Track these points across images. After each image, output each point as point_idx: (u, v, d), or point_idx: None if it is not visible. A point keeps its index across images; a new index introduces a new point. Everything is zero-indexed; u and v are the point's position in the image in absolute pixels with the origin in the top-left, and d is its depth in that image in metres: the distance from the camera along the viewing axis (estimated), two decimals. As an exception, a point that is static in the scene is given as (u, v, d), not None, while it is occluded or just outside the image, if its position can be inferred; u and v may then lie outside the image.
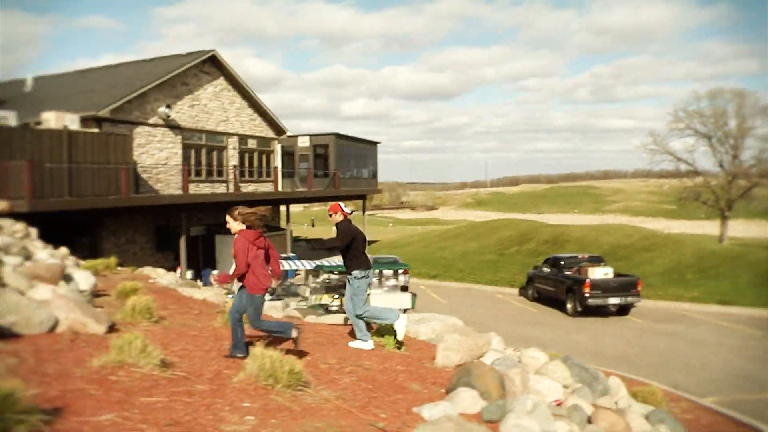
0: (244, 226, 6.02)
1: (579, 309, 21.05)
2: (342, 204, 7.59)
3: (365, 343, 7.50)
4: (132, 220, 22.41)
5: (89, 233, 21.19)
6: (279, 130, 31.30)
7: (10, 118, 19.79)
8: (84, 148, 18.85)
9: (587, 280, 20.79)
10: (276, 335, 6.30)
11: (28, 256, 10.28)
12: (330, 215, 7.58)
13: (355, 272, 7.46)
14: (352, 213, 7.64)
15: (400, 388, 5.82)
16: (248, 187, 28.40)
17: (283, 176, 31.63)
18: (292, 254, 27.39)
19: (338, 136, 34.35)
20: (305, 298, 17.11)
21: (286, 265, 20.66)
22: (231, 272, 6.15)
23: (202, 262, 24.79)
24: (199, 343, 6.42)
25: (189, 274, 21.98)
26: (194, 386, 4.63)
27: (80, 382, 4.19)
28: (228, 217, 6.09)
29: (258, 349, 5.11)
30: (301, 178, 32.81)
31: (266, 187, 29.51)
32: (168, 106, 23.61)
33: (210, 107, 26.63)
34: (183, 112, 24.88)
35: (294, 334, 6.15)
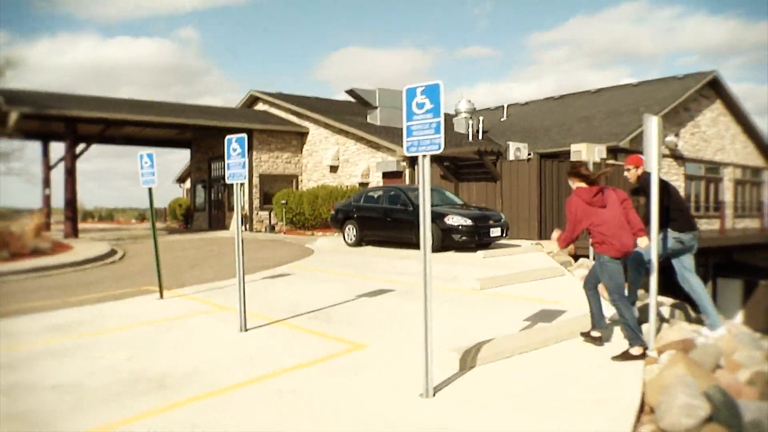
0: (580, 183, 5.28)
1: None
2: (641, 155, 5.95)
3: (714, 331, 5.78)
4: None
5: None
6: (772, 159, 27.22)
7: (523, 150, 20.40)
8: (616, 180, 18.29)
9: None
10: (625, 323, 5.17)
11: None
12: (628, 170, 6.46)
13: (681, 235, 6.15)
14: None
15: None
16: (740, 223, 25.12)
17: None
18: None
19: None
20: None
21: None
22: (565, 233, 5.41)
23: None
24: None
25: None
26: None
27: None
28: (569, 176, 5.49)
29: None
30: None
31: (755, 224, 25.80)
32: (676, 135, 21.97)
33: (708, 134, 24.20)
34: (685, 140, 22.97)
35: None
